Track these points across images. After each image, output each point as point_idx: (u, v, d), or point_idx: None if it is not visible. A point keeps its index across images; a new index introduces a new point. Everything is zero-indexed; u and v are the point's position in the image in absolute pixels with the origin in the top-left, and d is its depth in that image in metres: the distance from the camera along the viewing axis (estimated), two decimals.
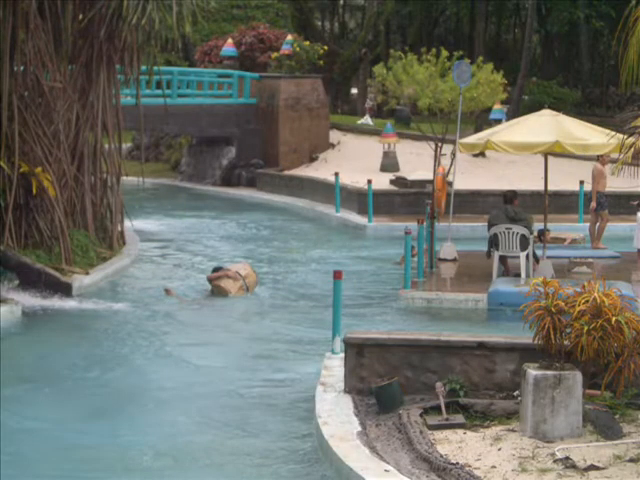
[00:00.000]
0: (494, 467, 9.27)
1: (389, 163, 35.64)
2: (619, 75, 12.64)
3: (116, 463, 10.39)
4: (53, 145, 19.66)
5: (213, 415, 11.96)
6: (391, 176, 33.12)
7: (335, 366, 12.33)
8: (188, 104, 36.29)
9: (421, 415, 10.57)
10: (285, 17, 49.56)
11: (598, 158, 22.29)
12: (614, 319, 9.92)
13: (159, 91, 28.41)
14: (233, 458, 10.56)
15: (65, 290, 18.14)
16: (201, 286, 19.33)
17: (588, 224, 23.16)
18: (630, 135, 11.35)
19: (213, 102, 37.25)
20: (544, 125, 18.46)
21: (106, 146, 22.28)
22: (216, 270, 19.10)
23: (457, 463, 9.26)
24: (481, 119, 35.65)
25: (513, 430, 10.14)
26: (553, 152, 19.48)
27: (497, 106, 36.00)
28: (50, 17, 19.92)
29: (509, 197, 19.12)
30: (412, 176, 31.97)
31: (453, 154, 24.58)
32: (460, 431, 10.25)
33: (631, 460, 9.27)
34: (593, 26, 50.52)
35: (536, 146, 18.33)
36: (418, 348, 11.28)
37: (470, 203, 28.33)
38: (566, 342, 10.16)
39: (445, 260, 20.93)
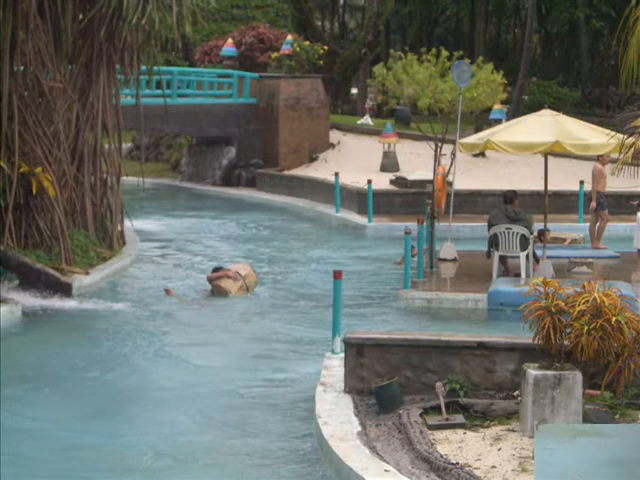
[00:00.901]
0: (494, 467, 9.27)
1: (389, 163, 35.65)
2: (619, 75, 12.66)
3: (116, 463, 10.38)
4: (53, 145, 19.66)
5: (213, 415, 11.96)
6: (391, 176, 33.13)
7: (335, 366, 12.32)
8: (188, 104, 36.28)
9: (421, 415, 10.56)
10: (285, 17, 49.55)
11: (598, 158, 22.28)
12: (614, 319, 9.91)
13: (159, 91, 28.43)
14: (233, 458, 10.55)
15: (65, 290, 18.13)
16: (201, 286, 19.32)
17: (588, 224, 23.14)
18: (630, 135, 11.35)
19: (213, 102, 37.24)
20: (544, 125, 18.46)
21: (106, 146, 22.28)
22: (216, 270, 19.10)
23: (457, 463, 9.26)
24: (481, 119, 35.62)
25: (513, 430, 10.14)
26: (553, 152, 19.47)
27: (497, 106, 35.99)
28: (50, 17, 19.92)
29: (509, 197, 19.11)
30: (412, 176, 31.97)
31: (453, 154, 24.59)
32: (460, 431, 10.25)
33: None
34: (593, 26, 50.53)
35: (536, 146, 18.32)
36: (418, 348, 11.27)
37: (470, 203, 28.34)
38: (566, 342, 10.15)
39: (445, 260, 20.93)
